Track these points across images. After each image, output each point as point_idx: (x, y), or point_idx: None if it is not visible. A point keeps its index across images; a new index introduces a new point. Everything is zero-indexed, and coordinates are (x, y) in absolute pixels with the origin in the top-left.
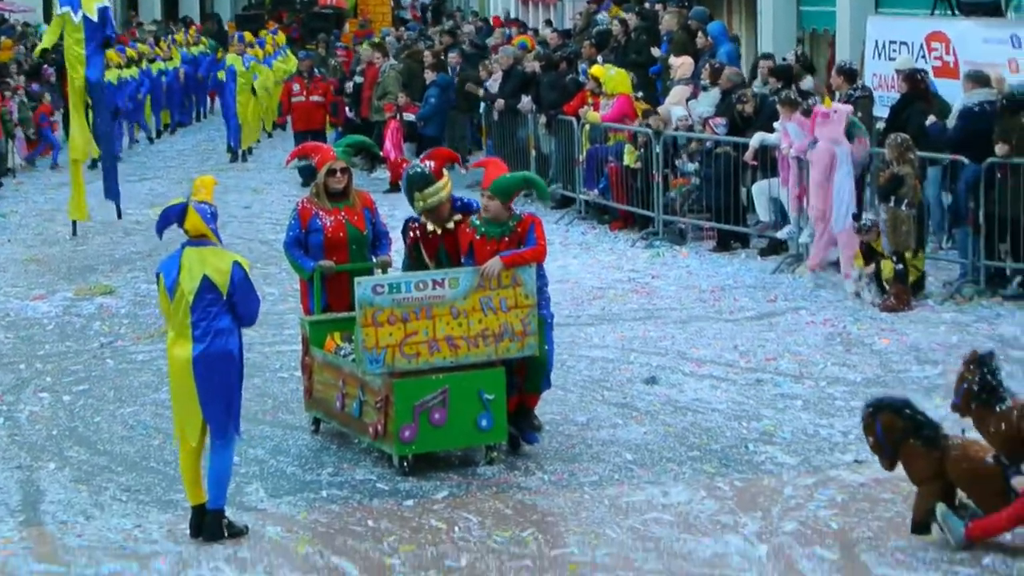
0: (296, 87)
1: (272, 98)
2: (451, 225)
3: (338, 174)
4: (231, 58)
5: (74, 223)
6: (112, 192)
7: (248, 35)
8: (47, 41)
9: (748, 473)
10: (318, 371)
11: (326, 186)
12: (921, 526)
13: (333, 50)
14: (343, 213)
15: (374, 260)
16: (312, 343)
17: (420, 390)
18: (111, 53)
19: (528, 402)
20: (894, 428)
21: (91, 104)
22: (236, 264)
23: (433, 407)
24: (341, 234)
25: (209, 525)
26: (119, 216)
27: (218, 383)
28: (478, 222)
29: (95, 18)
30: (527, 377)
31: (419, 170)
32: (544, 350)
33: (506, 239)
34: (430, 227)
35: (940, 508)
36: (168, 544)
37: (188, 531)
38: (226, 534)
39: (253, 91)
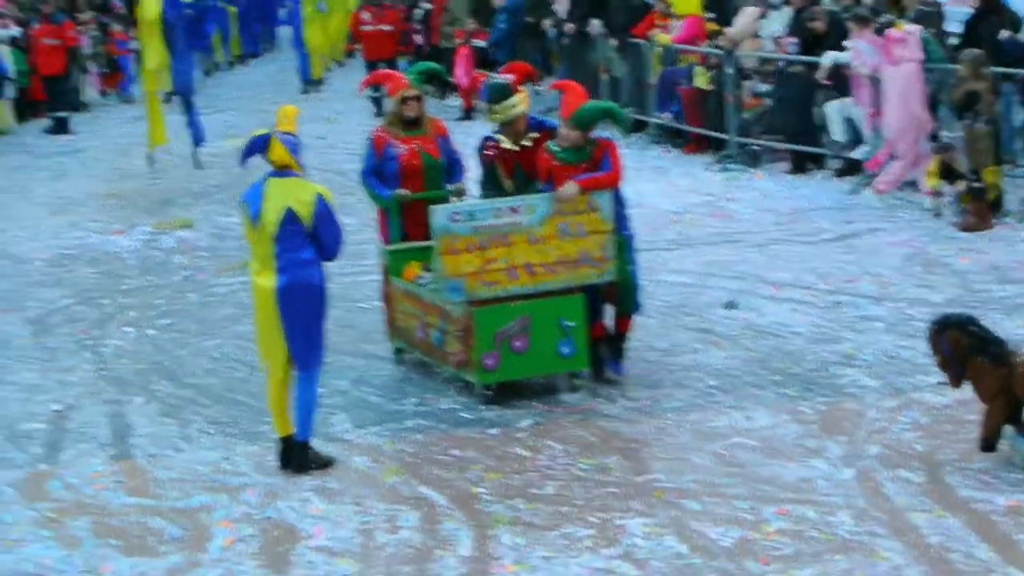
0: (366, 16)
1: (342, 26)
2: (527, 143)
3: (411, 101)
4: None
5: (150, 155)
6: (196, 136)
7: None
8: None
9: (831, 396)
10: (399, 301)
11: (399, 114)
12: (989, 444)
13: None
14: (417, 141)
15: (449, 187)
16: (391, 273)
17: (501, 318)
18: None
19: (619, 327)
20: (960, 345)
21: (168, 43)
22: (319, 196)
23: (514, 335)
24: (416, 162)
25: (296, 456)
26: (198, 166)
27: (300, 315)
28: (556, 148)
29: None
30: (617, 300)
31: (499, 82)
32: (628, 270)
33: (583, 164)
34: (506, 144)
35: (1008, 430)
36: (256, 476)
37: (277, 462)
38: (313, 465)
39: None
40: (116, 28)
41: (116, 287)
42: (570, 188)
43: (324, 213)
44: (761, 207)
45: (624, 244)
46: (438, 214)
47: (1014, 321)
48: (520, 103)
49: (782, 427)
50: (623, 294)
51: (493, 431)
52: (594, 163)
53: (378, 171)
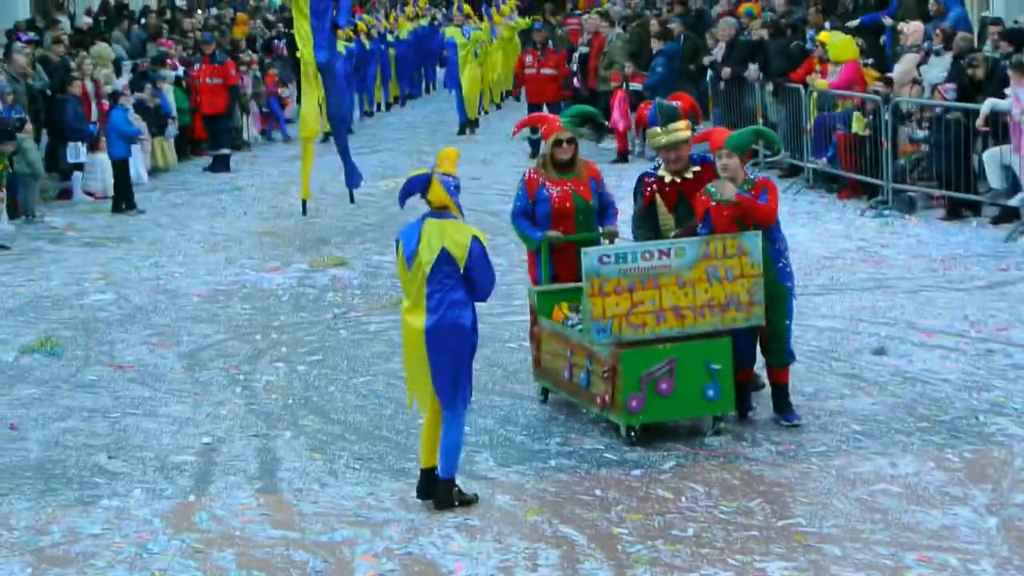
0: (529, 59)
1: (501, 68)
2: (689, 175)
3: (564, 144)
4: (451, 30)
5: (304, 202)
6: (353, 178)
7: (467, 7)
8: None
9: (978, 444)
10: (546, 341)
11: (552, 156)
12: None
13: (562, 20)
14: (569, 184)
15: (600, 230)
16: (540, 313)
17: (647, 360)
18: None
19: (776, 378)
20: None
21: (323, 86)
22: (475, 239)
23: (660, 377)
24: (568, 204)
25: (440, 493)
26: (352, 200)
27: (448, 355)
28: (713, 189)
29: None
30: (770, 352)
31: (668, 104)
32: (784, 325)
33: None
34: (667, 178)
35: None
36: (400, 512)
37: (417, 494)
38: (456, 503)
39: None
40: (272, 71)
41: (269, 323)
42: (728, 188)
43: (479, 256)
44: (914, 253)
45: (784, 296)
46: (589, 256)
47: None
48: (685, 128)
49: (927, 474)
50: (775, 346)
51: (636, 472)
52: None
53: (529, 212)
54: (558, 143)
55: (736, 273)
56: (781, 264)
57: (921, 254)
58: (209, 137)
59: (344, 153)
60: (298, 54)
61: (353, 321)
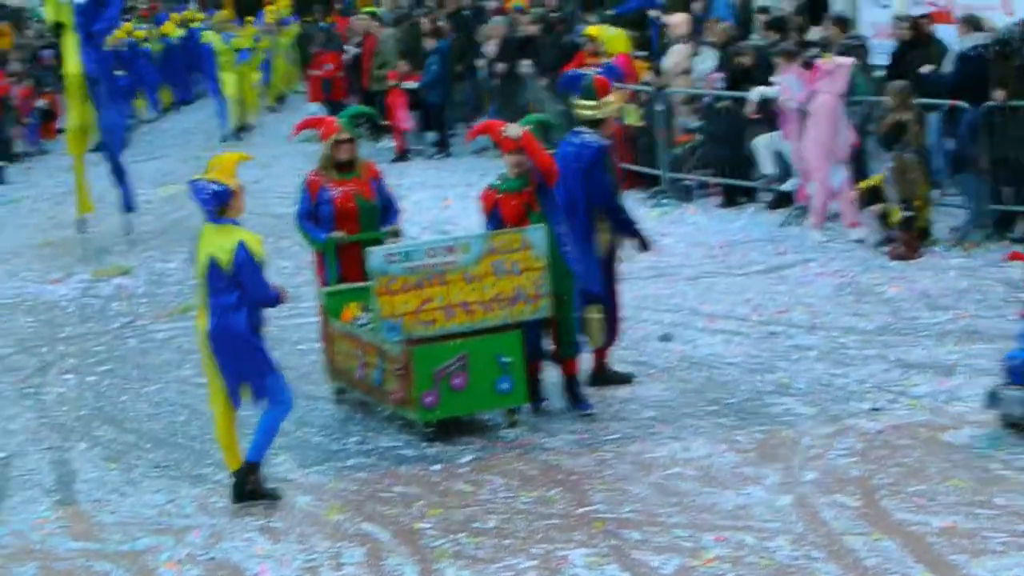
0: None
1: (277, 71)
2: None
3: (343, 145)
4: (208, 35)
5: (81, 219)
6: (126, 202)
7: (226, 12)
8: (49, 16)
9: (767, 425)
10: (338, 342)
11: (332, 158)
12: None
13: (334, 21)
14: (351, 184)
15: (384, 229)
16: (330, 314)
17: (439, 356)
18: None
19: (566, 369)
20: None
21: (91, 98)
22: (241, 243)
23: (453, 372)
24: (350, 205)
25: (241, 473)
26: (129, 232)
27: (228, 357)
28: (498, 182)
29: (82, 1)
30: (558, 343)
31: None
32: (571, 317)
33: (527, 189)
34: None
35: None
36: (201, 517)
37: (230, 500)
38: (258, 491)
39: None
40: (27, 83)
41: (55, 335)
42: (514, 128)
43: (244, 261)
44: (694, 241)
45: (571, 286)
46: (374, 255)
47: (944, 347)
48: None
49: (719, 456)
50: (564, 338)
51: (435, 467)
52: (534, 184)
53: (313, 214)
54: (337, 144)
55: (522, 267)
56: (567, 248)
57: (700, 241)
58: None
59: (118, 172)
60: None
61: (140, 329)
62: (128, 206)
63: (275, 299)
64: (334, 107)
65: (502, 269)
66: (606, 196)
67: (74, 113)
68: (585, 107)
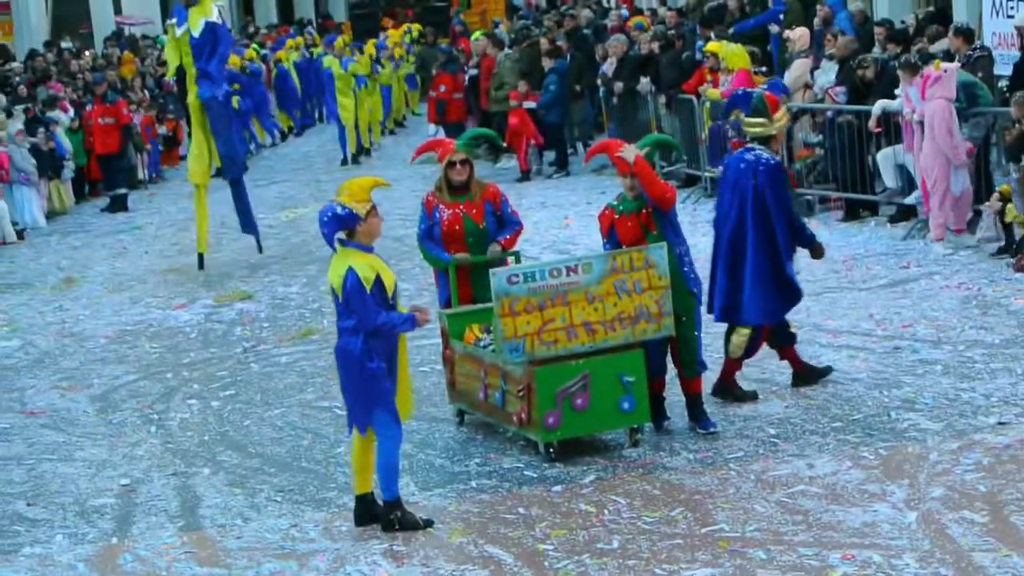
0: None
1: (397, 96)
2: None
3: (458, 166)
4: (328, 60)
5: (200, 255)
6: (249, 226)
7: (344, 37)
8: (171, 59)
9: (892, 441)
10: (459, 363)
11: (446, 178)
12: None
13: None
14: (462, 207)
15: (495, 249)
16: (451, 335)
17: (561, 376)
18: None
19: (689, 388)
20: None
21: (209, 124)
22: (349, 270)
23: (575, 392)
24: (457, 227)
25: (382, 516)
26: (260, 251)
27: (345, 379)
28: (615, 203)
29: (197, 34)
30: (680, 364)
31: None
32: (693, 336)
33: (644, 211)
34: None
35: None
36: (325, 541)
37: (354, 522)
38: (397, 525)
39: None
40: (146, 111)
41: (179, 361)
42: (629, 149)
43: (351, 287)
44: None
45: (693, 306)
46: (497, 276)
47: None
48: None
49: (844, 473)
50: (686, 357)
51: (557, 488)
52: (651, 205)
53: (431, 234)
54: (451, 164)
55: (644, 286)
56: (686, 269)
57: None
58: (104, 177)
59: (239, 199)
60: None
61: (263, 354)
62: (250, 230)
63: (386, 326)
64: (450, 129)
65: (624, 288)
66: (786, 210)
67: (195, 142)
68: (756, 124)
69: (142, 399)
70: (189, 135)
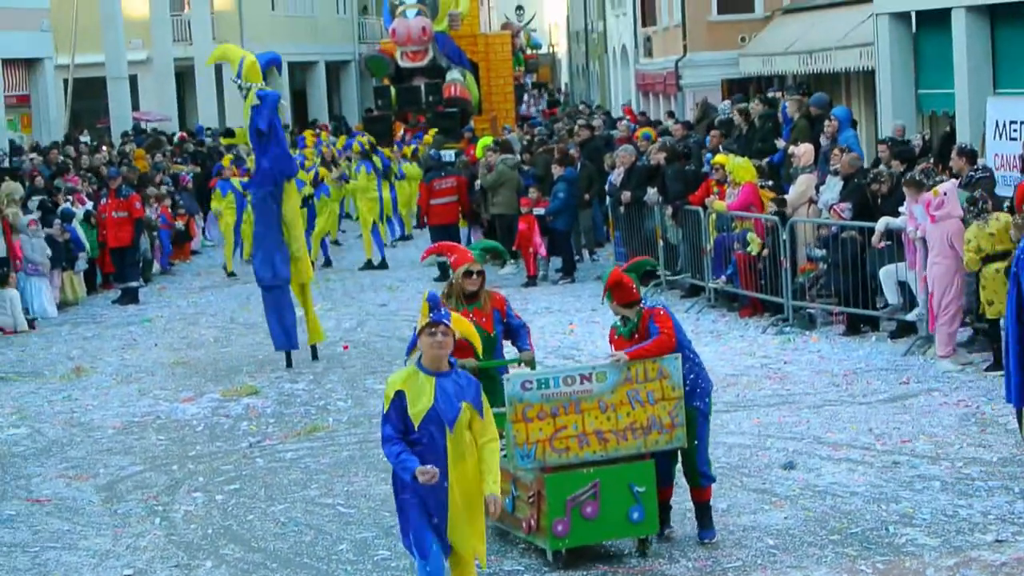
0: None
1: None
2: None
3: (474, 276)
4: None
5: (313, 347)
6: (289, 342)
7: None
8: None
9: (890, 555)
10: None
11: (461, 287)
12: None
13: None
14: (472, 315)
15: (518, 355)
16: None
17: (572, 484)
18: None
19: (697, 497)
20: None
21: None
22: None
23: (585, 501)
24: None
25: None
26: (289, 364)
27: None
28: (618, 323)
29: (255, 102)
30: (686, 473)
31: None
32: (693, 446)
33: (635, 335)
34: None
35: None
36: None
37: None
38: None
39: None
40: (164, 202)
41: (185, 453)
42: (621, 357)
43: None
44: (817, 369)
45: (694, 418)
46: (511, 382)
47: None
48: None
49: None
50: (688, 470)
51: None
52: (643, 333)
53: None
54: (468, 274)
55: (657, 396)
56: (690, 384)
57: (823, 369)
58: (116, 270)
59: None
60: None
61: (268, 449)
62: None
63: (388, 456)
64: (435, 232)
65: (637, 398)
66: None
67: (296, 241)
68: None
69: (147, 490)
70: (204, 231)
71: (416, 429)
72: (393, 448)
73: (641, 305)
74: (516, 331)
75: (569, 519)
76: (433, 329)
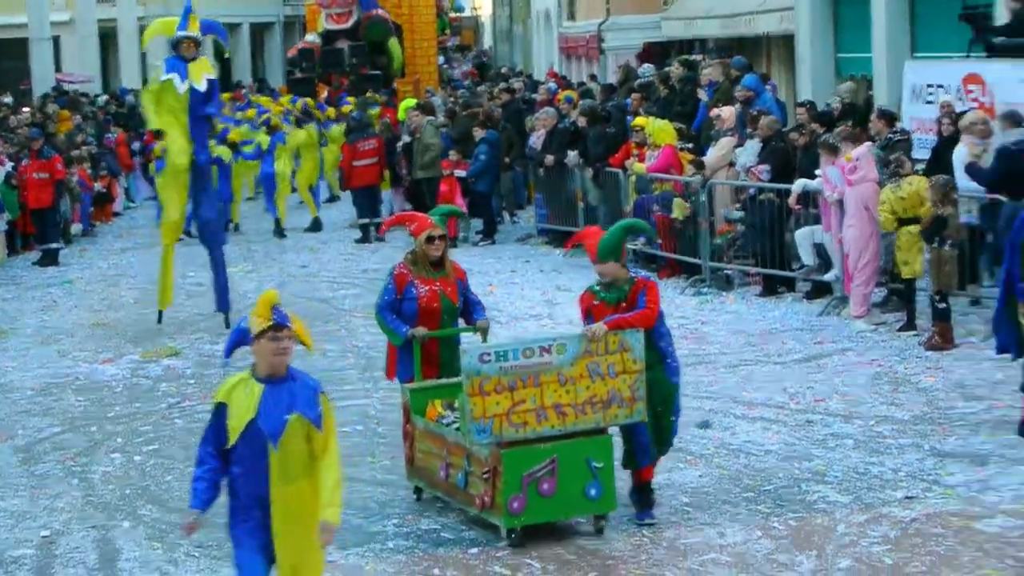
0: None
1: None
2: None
3: (436, 241)
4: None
5: (160, 312)
6: (223, 303)
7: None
8: (155, 122)
9: (802, 512)
10: (420, 440)
11: (426, 254)
12: None
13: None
14: (438, 283)
15: (475, 324)
16: (413, 411)
17: (529, 460)
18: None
19: (643, 475)
20: None
21: (196, 189)
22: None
23: (542, 477)
24: (435, 304)
25: None
26: (227, 325)
27: None
28: (598, 288)
29: (203, 89)
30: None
31: None
32: (671, 421)
33: (622, 304)
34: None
35: None
36: None
37: None
38: None
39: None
40: (84, 165)
41: (104, 415)
42: (598, 328)
43: None
44: (733, 329)
45: (672, 393)
46: (469, 354)
47: (978, 437)
48: None
49: (755, 543)
50: (659, 444)
51: (473, 550)
52: (631, 302)
53: (396, 307)
54: (430, 240)
55: (618, 369)
56: (669, 360)
57: (740, 330)
58: (37, 231)
59: (219, 269)
60: (168, 154)
61: (188, 410)
62: (224, 306)
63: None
64: (358, 195)
65: (598, 372)
66: None
67: (174, 204)
68: None
69: (65, 451)
70: (127, 192)
71: (233, 445)
72: (196, 473)
73: (632, 274)
74: (473, 306)
75: (525, 496)
76: (278, 334)
